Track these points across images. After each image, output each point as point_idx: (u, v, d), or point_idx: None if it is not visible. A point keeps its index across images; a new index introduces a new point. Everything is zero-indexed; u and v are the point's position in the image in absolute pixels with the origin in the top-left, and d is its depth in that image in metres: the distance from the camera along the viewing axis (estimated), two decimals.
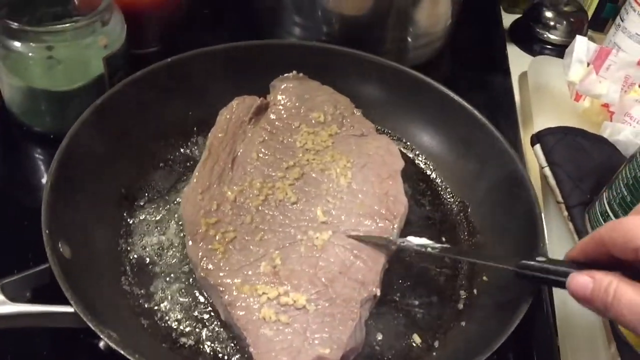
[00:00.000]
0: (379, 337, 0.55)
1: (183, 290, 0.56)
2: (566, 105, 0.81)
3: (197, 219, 0.57)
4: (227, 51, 0.71)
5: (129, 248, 0.59)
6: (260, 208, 0.59)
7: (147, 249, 0.59)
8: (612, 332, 0.56)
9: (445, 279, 0.61)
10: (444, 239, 0.64)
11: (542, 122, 0.76)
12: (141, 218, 0.62)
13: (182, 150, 0.69)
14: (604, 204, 0.62)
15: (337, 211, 0.59)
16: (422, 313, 0.58)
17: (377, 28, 0.80)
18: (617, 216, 0.60)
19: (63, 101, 0.68)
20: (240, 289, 0.53)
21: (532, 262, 0.48)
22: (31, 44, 0.63)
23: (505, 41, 0.95)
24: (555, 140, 0.69)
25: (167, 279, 0.57)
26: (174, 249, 0.59)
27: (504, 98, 0.84)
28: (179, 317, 0.55)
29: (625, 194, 0.59)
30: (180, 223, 0.61)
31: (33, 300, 0.50)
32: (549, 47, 0.96)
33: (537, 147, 0.70)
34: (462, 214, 0.67)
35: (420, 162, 0.72)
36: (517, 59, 0.93)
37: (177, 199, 0.64)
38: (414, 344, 0.55)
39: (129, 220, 0.61)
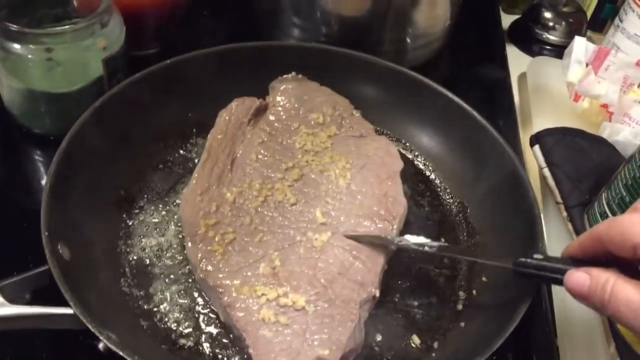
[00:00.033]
0: (378, 338, 0.55)
1: (182, 292, 0.57)
2: (565, 106, 0.81)
3: (197, 221, 0.57)
4: (226, 52, 0.71)
5: (128, 249, 0.59)
6: (259, 209, 0.59)
7: (147, 251, 0.59)
8: (612, 332, 0.56)
9: (444, 280, 0.61)
10: (443, 240, 0.64)
11: (541, 122, 0.76)
12: (140, 219, 0.62)
13: (181, 151, 0.69)
14: (603, 204, 0.62)
15: (336, 212, 0.59)
16: (421, 314, 0.58)
17: (376, 29, 0.80)
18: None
19: (62, 103, 0.68)
20: (239, 290, 0.53)
21: (530, 260, 0.48)
22: (30, 46, 0.63)
23: (504, 42, 0.95)
24: (554, 141, 0.69)
25: (167, 280, 0.57)
26: (173, 251, 0.60)
27: (503, 99, 0.84)
28: (178, 318, 0.55)
29: (624, 194, 0.59)
30: (179, 224, 0.61)
31: (32, 302, 0.50)
32: (548, 47, 0.96)
33: (536, 147, 0.70)
34: (461, 215, 0.67)
35: (419, 163, 0.72)
36: (516, 60, 0.93)
37: (177, 201, 0.64)
38: (413, 345, 0.55)
39: (128, 221, 0.61)
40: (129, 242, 0.60)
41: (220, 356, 0.53)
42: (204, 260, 0.55)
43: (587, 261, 0.45)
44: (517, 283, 0.53)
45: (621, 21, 0.84)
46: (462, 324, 0.57)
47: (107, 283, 0.55)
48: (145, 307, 0.55)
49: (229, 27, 0.90)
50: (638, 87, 0.76)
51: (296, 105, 0.69)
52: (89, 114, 0.61)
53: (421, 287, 0.60)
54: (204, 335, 0.54)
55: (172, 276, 0.58)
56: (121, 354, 0.45)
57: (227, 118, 0.66)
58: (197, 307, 0.56)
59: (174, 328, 0.54)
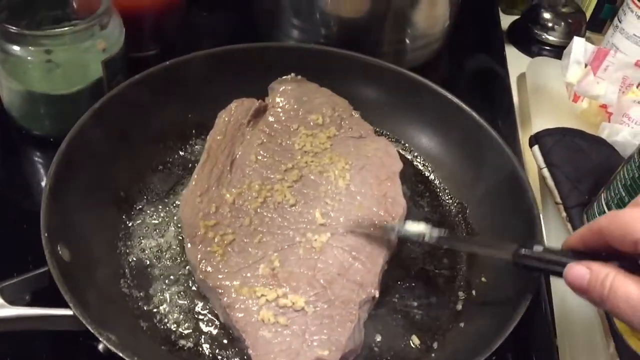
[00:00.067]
0: (378, 338, 0.55)
1: (182, 293, 0.57)
2: (564, 106, 0.81)
3: (196, 222, 0.57)
4: (225, 54, 0.71)
5: (127, 251, 0.59)
6: (258, 210, 0.59)
7: (146, 252, 0.59)
8: (611, 332, 0.56)
9: (443, 281, 0.61)
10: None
11: (540, 123, 0.76)
12: (140, 221, 0.62)
13: (180, 153, 0.69)
14: (602, 204, 0.62)
15: (335, 213, 0.59)
16: (421, 314, 0.58)
17: (375, 30, 0.80)
18: None
19: (62, 104, 0.68)
20: (239, 291, 0.53)
21: (530, 251, 0.48)
22: (30, 47, 0.63)
23: (503, 42, 0.95)
24: (553, 141, 0.69)
25: (166, 281, 0.57)
26: (172, 252, 0.60)
27: (502, 99, 0.84)
28: (178, 319, 0.55)
29: (623, 194, 0.59)
30: (179, 226, 0.61)
31: (32, 303, 0.50)
32: (547, 48, 0.96)
33: (536, 148, 0.70)
34: (460, 215, 0.67)
35: (418, 164, 0.72)
36: (516, 60, 0.93)
37: (176, 202, 0.64)
38: (413, 345, 0.55)
39: (127, 223, 0.61)
40: (129, 243, 0.60)
41: (219, 357, 0.53)
42: (203, 261, 0.55)
43: (587, 254, 0.45)
44: (516, 281, 0.53)
45: (620, 22, 0.84)
46: (462, 324, 0.57)
47: (106, 284, 0.55)
48: (145, 308, 0.55)
49: (228, 28, 0.90)
50: (637, 87, 0.76)
51: (295, 107, 0.69)
52: (88, 116, 0.61)
53: (421, 287, 0.60)
54: (203, 336, 0.54)
55: (171, 277, 0.58)
56: (121, 355, 0.45)
57: (226, 119, 0.66)
58: (196, 308, 0.56)
59: (174, 329, 0.54)
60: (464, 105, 0.69)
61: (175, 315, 0.55)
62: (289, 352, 0.49)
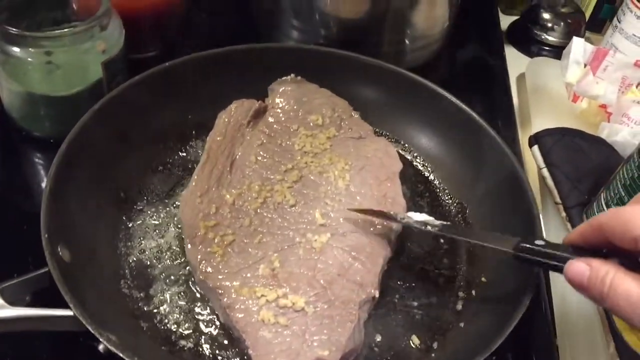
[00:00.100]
0: (378, 338, 0.55)
1: (182, 293, 0.57)
2: (564, 107, 0.81)
3: (196, 222, 0.58)
4: (225, 55, 0.71)
5: (128, 251, 0.59)
6: (258, 211, 0.59)
7: (146, 252, 0.59)
8: (611, 331, 0.56)
9: (443, 280, 0.61)
10: (442, 241, 0.64)
11: (540, 123, 0.76)
12: (140, 221, 0.62)
13: (180, 153, 0.69)
14: (601, 204, 0.62)
15: (335, 213, 0.59)
16: (421, 314, 0.58)
17: (375, 31, 0.80)
18: None
19: (62, 106, 0.68)
20: (239, 291, 0.53)
21: (532, 246, 0.48)
22: (30, 49, 0.63)
23: (502, 43, 0.95)
24: (553, 141, 0.69)
25: (166, 281, 0.57)
26: (172, 252, 0.60)
27: (502, 99, 0.84)
28: (178, 319, 0.55)
29: (623, 194, 0.59)
30: (179, 226, 0.61)
31: (32, 304, 0.50)
32: (547, 48, 0.96)
33: (535, 148, 0.70)
34: (460, 215, 0.67)
35: (418, 164, 0.72)
36: (515, 61, 0.93)
37: (176, 202, 0.64)
38: (413, 345, 0.55)
39: (128, 223, 0.61)
40: (129, 243, 0.60)
41: (220, 357, 0.53)
42: (203, 261, 0.55)
43: (587, 250, 0.45)
44: (516, 281, 0.53)
45: (619, 22, 0.84)
46: (462, 324, 0.57)
47: (107, 285, 0.55)
48: (145, 309, 0.55)
49: (228, 29, 0.90)
50: (636, 87, 0.76)
51: (295, 107, 0.69)
52: (88, 117, 0.61)
53: (421, 287, 0.60)
54: (203, 337, 0.54)
55: (171, 278, 0.58)
56: (121, 355, 0.45)
57: (226, 120, 0.66)
58: (196, 308, 0.56)
59: (174, 329, 0.54)
60: (463, 106, 0.69)
61: (176, 316, 0.55)
62: (289, 352, 0.49)
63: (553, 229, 0.67)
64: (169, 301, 0.56)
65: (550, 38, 0.96)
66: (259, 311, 0.51)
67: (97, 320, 0.47)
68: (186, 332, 0.54)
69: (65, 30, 0.64)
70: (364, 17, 0.80)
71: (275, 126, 0.67)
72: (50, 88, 0.67)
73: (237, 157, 0.64)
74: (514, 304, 0.52)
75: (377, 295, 0.55)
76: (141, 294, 0.56)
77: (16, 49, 0.63)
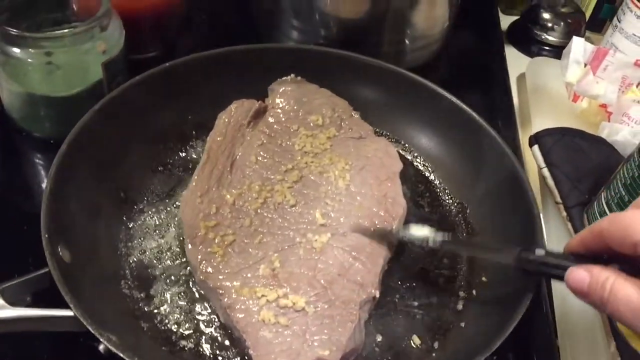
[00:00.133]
0: (379, 338, 0.55)
1: (182, 294, 0.57)
2: (564, 106, 0.81)
3: (197, 223, 0.58)
4: (225, 55, 0.71)
5: (128, 252, 0.59)
6: (259, 211, 0.59)
7: (147, 253, 0.59)
8: (612, 331, 0.56)
9: (444, 280, 0.61)
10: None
11: (540, 123, 0.76)
12: (140, 222, 0.62)
13: (181, 154, 0.69)
14: (602, 204, 0.62)
15: (335, 213, 0.59)
16: (422, 314, 0.58)
17: (375, 31, 0.80)
18: None
19: (62, 106, 0.68)
20: (239, 291, 0.53)
21: (532, 256, 0.49)
22: (30, 50, 0.63)
23: (503, 43, 0.95)
24: (553, 141, 0.69)
25: (167, 282, 0.57)
26: (173, 253, 0.60)
27: (502, 99, 0.84)
28: (178, 320, 0.55)
29: (623, 193, 0.59)
30: (179, 226, 0.61)
31: (33, 305, 0.50)
32: (547, 48, 0.96)
33: (536, 148, 0.70)
34: (460, 215, 0.67)
35: (418, 164, 0.72)
36: (515, 61, 0.93)
37: (176, 203, 0.64)
38: (414, 345, 0.55)
39: (128, 224, 0.61)
40: (129, 244, 0.60)
41: (220, 357, 0.53)
42: (204, 262, 0.55)
43: (588, 257, 0.45)
44: (517, 281, 0.53)
45: (619, 21, 0.84)
46: (463, 324, 0.57)
47: (107, 285, 0.55)
48: (146, 309, 0.55)
49: (228, 29, 0.90)
50: (636, 86, 0.76)
51: (295, 107, 0.69)
52: (88, 117, 0.61)
53: (421, 287, 0.60)
54: (204, 337, 0.54)
55: (172, 278, 0.58)
56: (121, 355, 0.45)
57: (226, 120, 0.66)
58: (197, 308, 0.56)
59: (175, 330, 0.54)
60: (463, 106, 0.69)
61: (176, 316, 0.55)
62: (290, 352, 0.49)
63: (553, 228, 0.67)
64: (169, 301, 0.56)
65: (551, 38, 0.96)
66: (259, 311, 0.51)
67: (97, 320, 0.47)
68: (186, 332, 0.54)
69: (66, 30, 0.64)
70: (363, 17, 0.80)
71: (275, 126, 0.67)
72: (51, 89, 0.67)
73: (238, 157, 0.64)
74: (515, 303, 0.52)
75: (377, 295, 0.55)
76: (141, 294, 0.56)
77: (16, 50, 0.63)
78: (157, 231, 0.61)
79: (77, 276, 0.51)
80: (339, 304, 0.53)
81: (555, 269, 0.47)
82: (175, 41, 0.84)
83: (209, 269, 0.54)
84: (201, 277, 0.54)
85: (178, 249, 0.60)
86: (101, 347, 0.48)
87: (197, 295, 0.57)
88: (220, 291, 0.53)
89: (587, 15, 0.98)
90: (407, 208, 0.62)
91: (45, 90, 0.67)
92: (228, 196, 0.60)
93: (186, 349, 0.53)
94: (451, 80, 0.85)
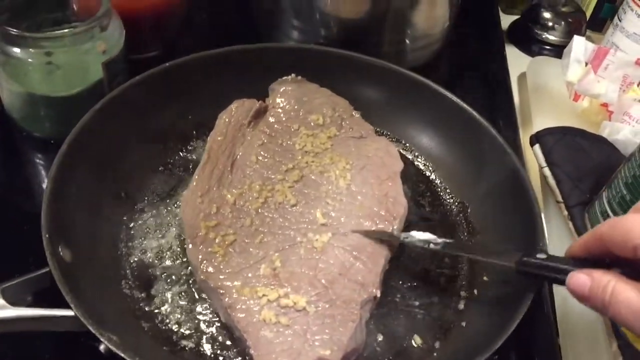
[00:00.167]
0: (380, 338, 0.55)
1: (183, 293, 0.57)
2: (565, 106, 0.81)
3: (197, 222, 0.57)
4: (225, 55, 0.71)
5: (129, 251, 0.59)
6: (259, 211, 0.59)
7: (147, 253, 0.59)
8: (613, 330, 0.56)
9: (445, 280, 0.61)
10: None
11: (541, 122, 0.76)
12: (141, 222, 0.62)
13: (181, 153, 0.69)
14: (603, 203, 0.62)
15: (336, 213, 0.59)
16: (423, 314, 0.58)
17: (375, 31, 0.80)
18: (616, 215, 0.60)
19: (62, 106, 0.68)
20: (240, 291, 0.53)
21: (533, 260, 0.49)
22: (30, 49, 0.63)
23: (503, 42, 0.95)
24: (554, 140, 0.69)
25: (167, 282, 0.57)
26: (174, 253, 0.60)
27: (503, 99, 0.84)
28: (179, 319, 0.55)
29: (625, 193, 0.59)
30: (180, 226, 0.61)
31: (34, 304, 0.50)
32: (548, 47, 0.96)
33: (537, 147, 0.70)
34: (461, 215, 0.67)
35: (419, 164, 0.72)
36: (516, 60, 0.93)
37: (177, 203, 0.64)
38: (415, 345, 0.55)
39: (129, 224, 0.61)
40: (130, 244, 0.60)
41: (221, 357, 0.53)
42: (204, 261, 0.55)
43: (590, 260, 0.45)
44: (518, 282, 0.53)
45: (620, 20, 0.84)
46: (464, 324, 0.57)
47: (108, 285, 0.55)
48: (146, 309, 0.55)
49: (228, 29, 0.90)
50: (637, 85, 0.76)
51: (296, 107, 0.69)
52: (89, 117, 0.61)
53: (422, 287, 0.60)
54: (205, 337, 0.54)
55: (173, 278, 0.58)
56: (122, 355, 0.45)
57: (226, 120, 0.66)
58: (198, 308, 0.56)
59: (175, 329, 0.54)
60: (464, 105, 0.69)
61: (177, 316, 0.55)
62: (291, 352, 0.49)
63: (555, 228, 0.67)
64: (170, 301, 0.56)
65: (551, 37, 0.96)
66: (260, 311, 0.51)
67: (98, 320, 0.47)
68: (187, 332, 0.54)
69: (66, 30, 0.64)
70: (364, 17, 0.80)
71: (276, 126, 0.67)
72: (51, 89, 0.67)
73: (238, 157, 0.64)
74: (516, 303, 0.52)
75: (378, 294, 0.55)
76: (142, 294, 0.56)
77: (16, 50, 0.63)
78: (158, 231, 0.61)
79: (78, 276, 0.51)
80: (340, 304, 0.52)
81: (557, 273, 0.47)
82: (176, 41, 0.84)
83: (210, 269, 0.54)
84: (202, 276, 0.54)
85: (179, 249, 0.60)
86: (102, 347, 0.48)
87: (197, 295, 0.56)
88: (221, 291, 0.53)
89: (588, 14, 0.98)
90: (408, 207, 0.62)
91: (46, 90, 0.67)
92: (229, 196, 0.60)
93: (187, 348, 0.53)
94: (452, 80, 0.85)
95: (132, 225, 0.61)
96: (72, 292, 0.47)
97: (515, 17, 1.02)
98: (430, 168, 0.72)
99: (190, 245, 0.56)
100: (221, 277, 0.54)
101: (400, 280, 0.60)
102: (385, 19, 0.79)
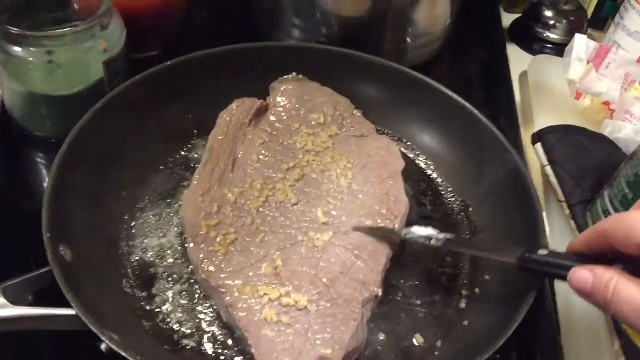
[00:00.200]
0: (381, 337, 0.55)
1: (184, 293, 0.56)
2: (567, 104, 0.81)
3: (198, 221, 0.57)
4: (226, 54, 0.71)
5: (130, 251, 0.59)
6: (261, 210, 0.59)
7: (149, 252, 0.59)
8: (616, 329, 0.56)
9: (447, 279, 0.61)
10: None
11: (542, 120, 0.76)
12: (142, 221, 0.62)
13: (182, 153, 0.69)
14: (605, 201, 0.62)
15: (337, 212, 0.59)
16: (424, 313, 0.57)
17: (376, 29, 0.80)
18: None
19: (63, 105, 0.68)
20: (241, 290, 0.53)
21: (535, 256, 0.49)
22: (31, 48, 0.63)
23: (505, 41, 0.95)
24: (556, 139, 0.69)
25: (169, 281, 0.57)
26: (175, 252, 0.60)
27: (505, 97, 0.84)
28: (180, 319, 0.55)
29: (627, 191, 0.59)
30: (181, 225, 0.61)
31: (35, 304, 0.50)
32: (549, 46, 0.95)
33: (538, 145, 0.70)
34: (463, 214, 0.67)
35: (421, 162, 0.72)
36: (517, 59, 0.92)
37: (178, 202, 0.64)
38: (417, 344, 0.55)
39: (130, 223, 0.61)
40: (131, 243, 0.60)
41: (222, 357, 0.53)
42: (205, 260, 0.55)
43: (591, 257, 0.45)
44: (520, 279, 0.53)
45: (622, 19, 0.84)
46: (466, 323, 0.56)
47: (109, 284, 0.55)
48: (148, 308, 0.55)
49: (229, 28, 0.90)
50: (639, 84, 0.76)
51: (297, 106, 0.69)
52: (89, 116, 0.61)
53: (424, 285, 0.60)
54: (206, 336, 0.54)
55: (174, 277, 0.58)
56: (124, 354, 0.45)
57: (228, 119, 0.66)
58: (199, 307, 0.56)
59: (177, 329, 0.54)
60: (466, 104, 0.69)
61: (178, 315, 0.55)
62: (292, 351, 0.49)
63: (557, 226, 0.67)
64: (171, 300, 0.56)
65: (553, 36, 0.96)
66: (261, 310, 0.51)
67: (99, 319, 0.47)
68: (188, 331, 0.54)
69: (67, 29, 0.64)
70: (365, 16, 0.80)
71: (277, 125, 0.67)
72: (52, 88, 0.67)
73: (239, 156, 0.64)
74: (518, 302, 0.51)
75: (380, 293, 0.55)
76: (143, 293, 0.56)
77: (17, 49, 0.63)
78: (159, 230, 0.61)
79: (79, 275, 0.51)
80: (342, 303, 0.52)
81: (559, 269, 0.47)
82: (176, 40, 0.84)
83: (211, 268, 0.54)
84: (203, 275, 0.54)
85: (180, 248, 0.60)
86: (103, 346, 0.48)
87: (199, 294, 0.56)
88: (222, 290, 0.53)
89: (590, 12, 0.98)
90: (410, 206, 0.62)
91: (47, 90, 0.67)
92: (230, 195, 0.60)
93: (188, 347, 0.53)
94: (453, 78, 0.85)
95: (133, 224, 0.61)
96: (73, 291, 0.47)
97: (517, 15, 1.02)
98: (432, 167, 0.71)
99: (191, 244, 0.56)
100: (222, 276, 0.54)
101: (402, 279, 0.60)
102: (386, 17, 0.79)
